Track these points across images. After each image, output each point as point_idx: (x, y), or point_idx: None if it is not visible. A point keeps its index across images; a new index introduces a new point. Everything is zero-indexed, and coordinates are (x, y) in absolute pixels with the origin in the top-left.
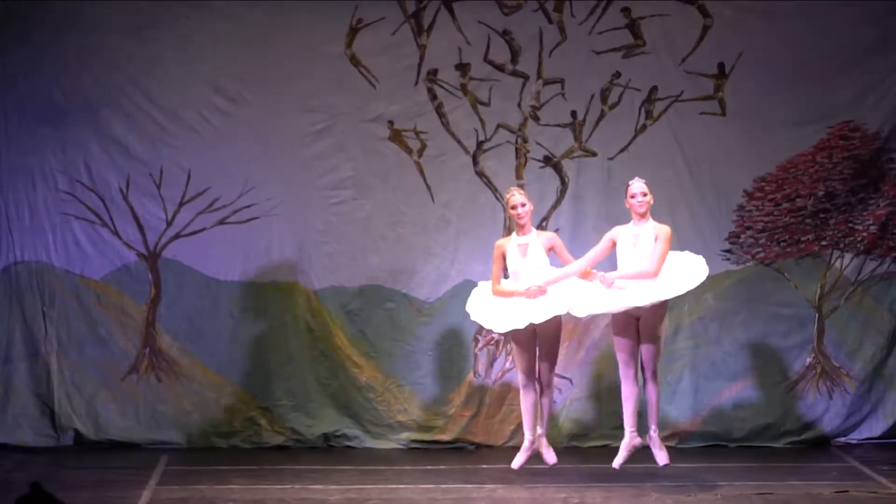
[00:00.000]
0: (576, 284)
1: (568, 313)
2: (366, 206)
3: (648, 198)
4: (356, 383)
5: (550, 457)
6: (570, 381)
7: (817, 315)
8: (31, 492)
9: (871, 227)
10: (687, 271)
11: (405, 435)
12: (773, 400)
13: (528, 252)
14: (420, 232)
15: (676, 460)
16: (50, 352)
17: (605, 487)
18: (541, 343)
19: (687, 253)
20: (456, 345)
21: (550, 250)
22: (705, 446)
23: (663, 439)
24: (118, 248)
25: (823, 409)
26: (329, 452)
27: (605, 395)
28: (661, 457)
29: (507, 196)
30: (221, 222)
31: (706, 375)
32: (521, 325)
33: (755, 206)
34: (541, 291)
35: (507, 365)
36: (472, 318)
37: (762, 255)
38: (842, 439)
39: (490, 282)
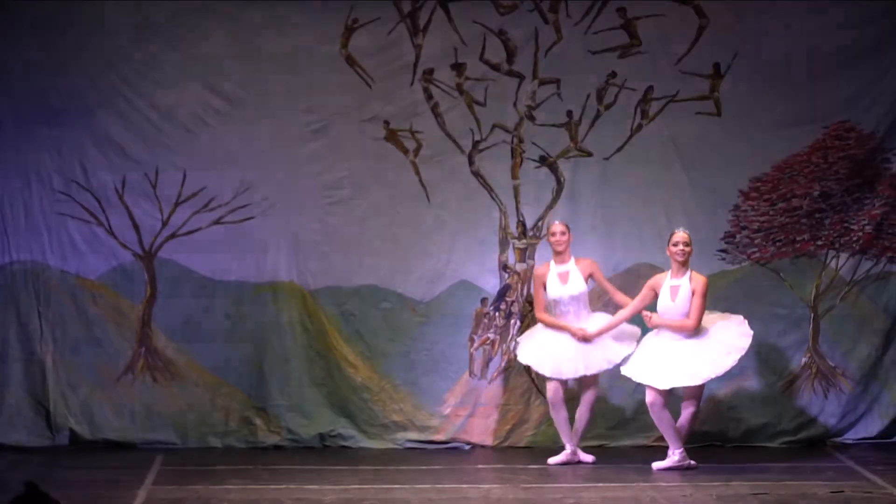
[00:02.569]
0: (624, 335)
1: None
2: (361, 205)
3: (690, 248)
4: (352, 383)
5: (588, 458)
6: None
7: (813, 315)
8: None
9: (867, 227)
10: (730, 340)
11: (401, 435)
12: (769, 400)
13: (568, 280)
14: (416, 232)
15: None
16: (45, 351)
17: (601, 488)
18: (584, 380)
19: (729, 316)
20: (451, 345)
21: (589, 277)
22: (701, 446)
23: (659, 439)
24: (114, 248)
25: (819, 408)
26: (324, 452)
27: (600, 395)
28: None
29: (549, 222)
30: (217, 222)
31: None
32: (572, 377)
33: (751, 206)
34: (586, 339)
35: (503, 365)
36: (520, 359)
37: (758, 255)
38: (837, 439)
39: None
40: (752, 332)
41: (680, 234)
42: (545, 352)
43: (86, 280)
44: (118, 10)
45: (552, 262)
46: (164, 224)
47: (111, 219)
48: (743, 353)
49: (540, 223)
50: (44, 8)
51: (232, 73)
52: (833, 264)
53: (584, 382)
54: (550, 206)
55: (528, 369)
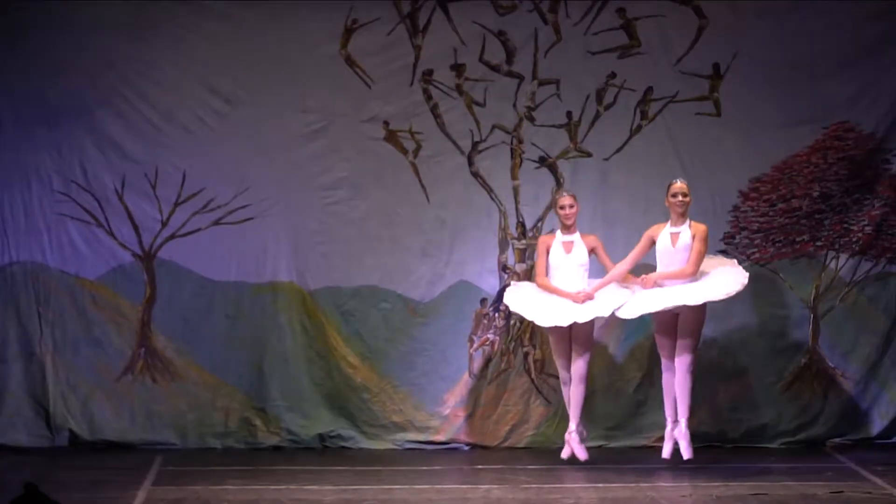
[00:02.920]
0: (618, 289)
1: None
2: (361, 206)
3: (688, 198)
4: (351, 384)
5: (582, 453)
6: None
7: (812, 316)
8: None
9: (867, 228)
10: (728, 276)
11: (400, 435)
12: (769, 400)
13: (572, 249)
14: (415, 232)
15: (673, 460)
16: (45, 352)
17: (600, 488)
18: (576, 339)
19: (726, 259)
20: (451, 345)
21: (592, 251)
22: (700, 447)
23: (659, 439)
24: (113, 249)
25: (818, 409)
26: (324, 453)
27: (600, 395)
28: (687, 451)
29: (556, 196)
30: (216, 223)
31: (701, 376)
32: (565, 323)
33: (750, 207)
34: (589, 297)
35: (503, 366)
36: (512, 308)
37: (757, 255)
38: (837, 440)
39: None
40: (747, 275)
41: (678, 185)
42: (535, 300)
43: (85, 280)
44: (118, 10)
45: (558, 232)
46: (164, 224)
47: (111, 219)
48: (741, 287)
49: (539, 224)
50: (44, 8)
51: (232, 74)
52: (833, 265)
53: (576, 348)
54: (550, 207)
55: (527, 370)
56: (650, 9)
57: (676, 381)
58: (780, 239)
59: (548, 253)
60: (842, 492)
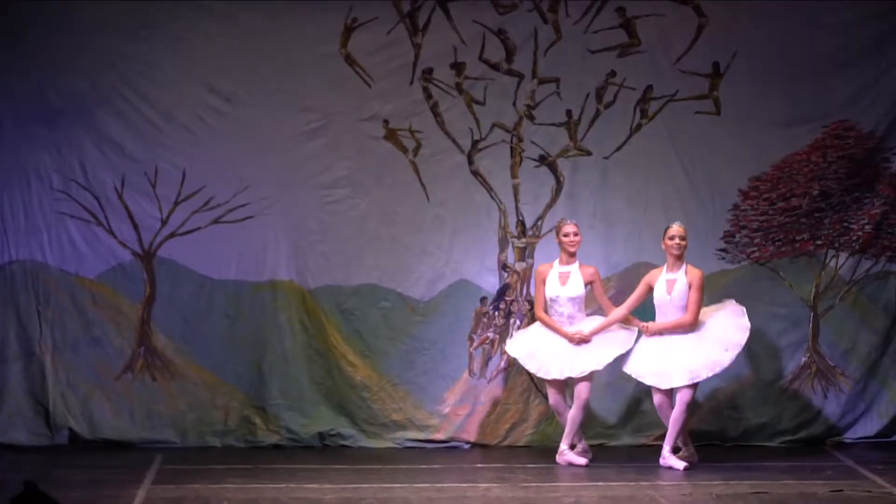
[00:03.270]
0: (616, 333)
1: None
2: (361, 205)
3: (685, 242)
4: (351, 382)
5: (580, 460)
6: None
7: (812, 314)
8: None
9: (866, 227)
10: (729, 330)
11: (400, 434)
12: (768, 399)
13: (567, 281)
14: (415, 231)
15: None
16: (45, 351)
17: (601, 487)
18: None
19: (725, 306)
20: (451, 344)
21: (589, 284)
22: (700, 445)
23: (658, 438)
24: (113, 248)
25: (818, 408)
26: (324, 451)
27: (597, 394)
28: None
29: (560, 223)
30: (216, 221)
31: None
32: (561, 377)
33: (750, 206)
34: (584, 340)
35: (502, 364)
36: (512, 355)
37: (757, 254)
38: (836, 438)
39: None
40: (748, 325)
41: (675, 228)
42: (535, 349)
43: (85, 279)
44: (118, 10)
45: (556, 262)
46: (164, 223)
47: (110, 218)
48: (740, 348)
49: (539, 222)
50: (44, 8)
51: (231, 73)
52: (832, 264)
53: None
54: (550, 206)
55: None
56: (650, 7)
57: (673, 413)
58: (780, 238)
59: (544, 284)
60: (841, 490)
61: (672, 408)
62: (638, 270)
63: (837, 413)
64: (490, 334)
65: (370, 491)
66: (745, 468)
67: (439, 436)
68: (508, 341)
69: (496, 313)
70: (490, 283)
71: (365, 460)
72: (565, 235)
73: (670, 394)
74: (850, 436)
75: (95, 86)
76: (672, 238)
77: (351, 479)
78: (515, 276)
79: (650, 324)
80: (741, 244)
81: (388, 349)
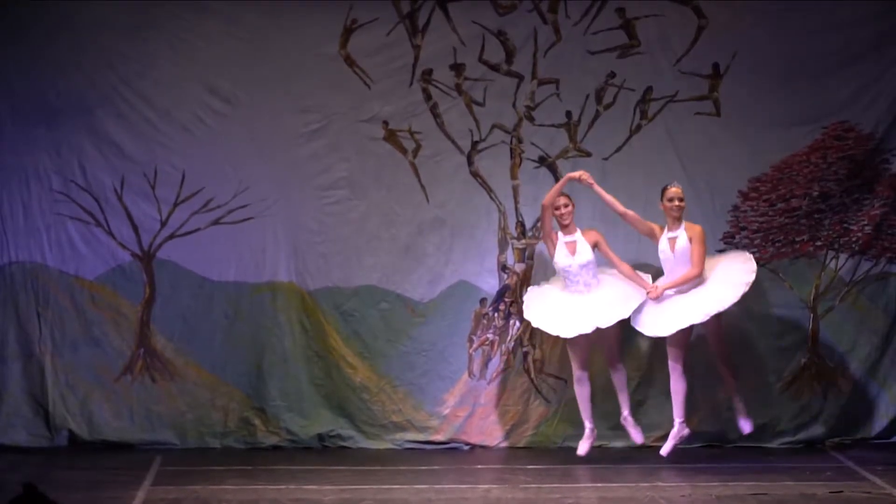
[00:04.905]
0: (635, 295)
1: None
2: (360, 206)
3: (683, 203)
4: (350, 384)
5: (637, 436)
6: (565, 381)
7: (812, 315)
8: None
9: (866, 228)
10: (735, 274)
11: (399, 435)
12: (768, 400)
13: (576, 250)
14: (414, 232)
15: (671, 460)
16: (44, 352)
17: (601, 487)
18: (604, 337)
19: (732, 255)
20: (450, 345)
21: (595, 246)
22: (700, 446)
23: (658, 439)
24: (112, 249)
25: (818, 409)
26: (323, 453)
27: (599, 395)
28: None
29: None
30: (216, 223)
31: (701, 376)
32: (589, 330)
33: (750, 207)
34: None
35: (502, 366)
36: (534, 324)
37: (757, 255)
38: (836, 439)
39: (535, 287)
40: (755, 267)
41: (673, 190)
42: (556, 313)
43: (84, 280)
44: (118, 10)
45: (559, 233)
46: (163, 224)
47: (110, 219)
48: (747, 287)
49: (539, 223)
50: (44, 8)
51: (231, 74)
52: (832, 265)
53: (610, 359)
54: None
55: (527, 370)
56: (650, 8)
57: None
58: (780, 239)
59: (554, 246)
60: (841, 491)
61: (684, 375)
62: (637, 270)
63: (837, 414)
64: (490, 336)
65: (370, 492)
66: (744, 469)
67: (439, 437)
68: (526, 310)
69: (496, 315)
70: (490, 284)
71: (364, 461)
72: (556, 209)
73: (685, 348)
74: (850, 437)
75: (95, 86)
76: (671, 200)
77: (350, 480)
78: (515, 278)
79: (656, 284)
80: (741, 245)
81: (388, 350)
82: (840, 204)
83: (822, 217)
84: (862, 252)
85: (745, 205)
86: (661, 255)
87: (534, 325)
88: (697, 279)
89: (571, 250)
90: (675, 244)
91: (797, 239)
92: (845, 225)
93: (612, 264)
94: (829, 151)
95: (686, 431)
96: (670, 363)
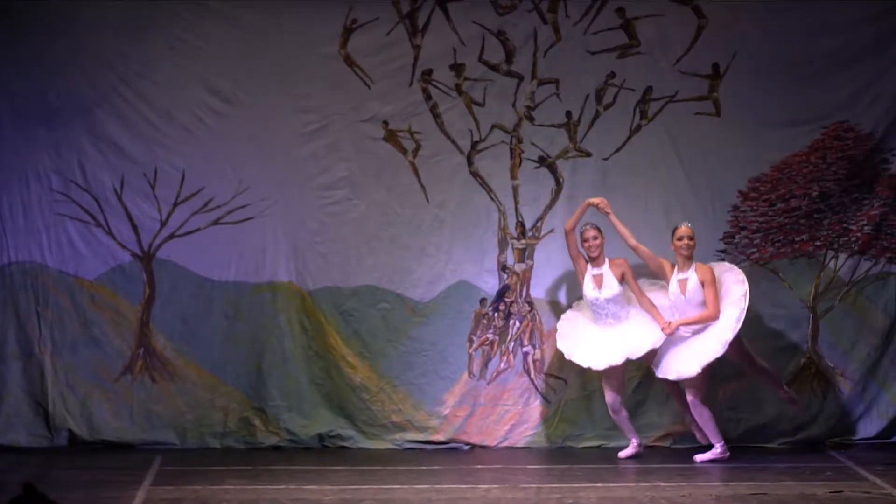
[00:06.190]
0: (648, 326)
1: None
2: (360, 206)
3: (693, 242)
4: (350, 384)
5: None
6: (565, 381)
7: (811, 315)
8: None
9: (866, 228)
10: (730, 307)
11: (399, 435)
12: (768, 400)
13: (602, 283)
14: (414, 232)
15: (672, 460)
16: (44, 352)
17: (600, 488)
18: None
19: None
20: (450, 345)
21: (622, 278)
22: (700, 447)
23: (658, 439)
24: (112, 249)
25: (818, 409)
26: (323, 453)
27: (599, 396)
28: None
29: (581, 229)
30: (215, 223)
31: None
32: (619, 362)
33: (749, 207)
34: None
35: (502, 366)
36: (567, 356)
37: (757, 255)
38: (836, 439)
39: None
40: (746, 289)
41: (683, 229)
42: (588, 345)
43: (84, 280)
44: (118, 10)
45: (589, 265)
46: (163, 224)
47: (110, 219)
48: (739, 324)
49: (539, 224)
50: (44, 8)
51: (231, 74)
52: (832, 265)
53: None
54: (549, 207)
55: (527, 370)
56: (649, 8)
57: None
58: (780, 239)
59: (582, 276)
60: (841, 492)
61: (705, 403)
62: (637, 270)
63: (837, 414)
64: (490, 335)
65: (370, 492)
66: (744, 469)
67: (439, 437)
68: (559, 341)
69: (496, 314)
70: (490, 284)
71: (364, 461)
72: (585, 241)
73: (703, 386)
74: (850, 437)
75: (95, 86)
76: (681, 239)
77: (350, 480)
78: (515, 278)
79: (671, 322)
80: (741, 245)
81: (388, 350)
82: (840, 204)
83: (822, 217)
84: (861, 252)
85: (744, 205)
86: (671, 297)
87: (566, 357)
88: (714, 320)
89: (598, 283)
90: (686, 286)
91: (797, 239)
92: (845, 225)
93: (635, 295)
94: (828, 151)
95: (727, 454)
96: (688, 397)
